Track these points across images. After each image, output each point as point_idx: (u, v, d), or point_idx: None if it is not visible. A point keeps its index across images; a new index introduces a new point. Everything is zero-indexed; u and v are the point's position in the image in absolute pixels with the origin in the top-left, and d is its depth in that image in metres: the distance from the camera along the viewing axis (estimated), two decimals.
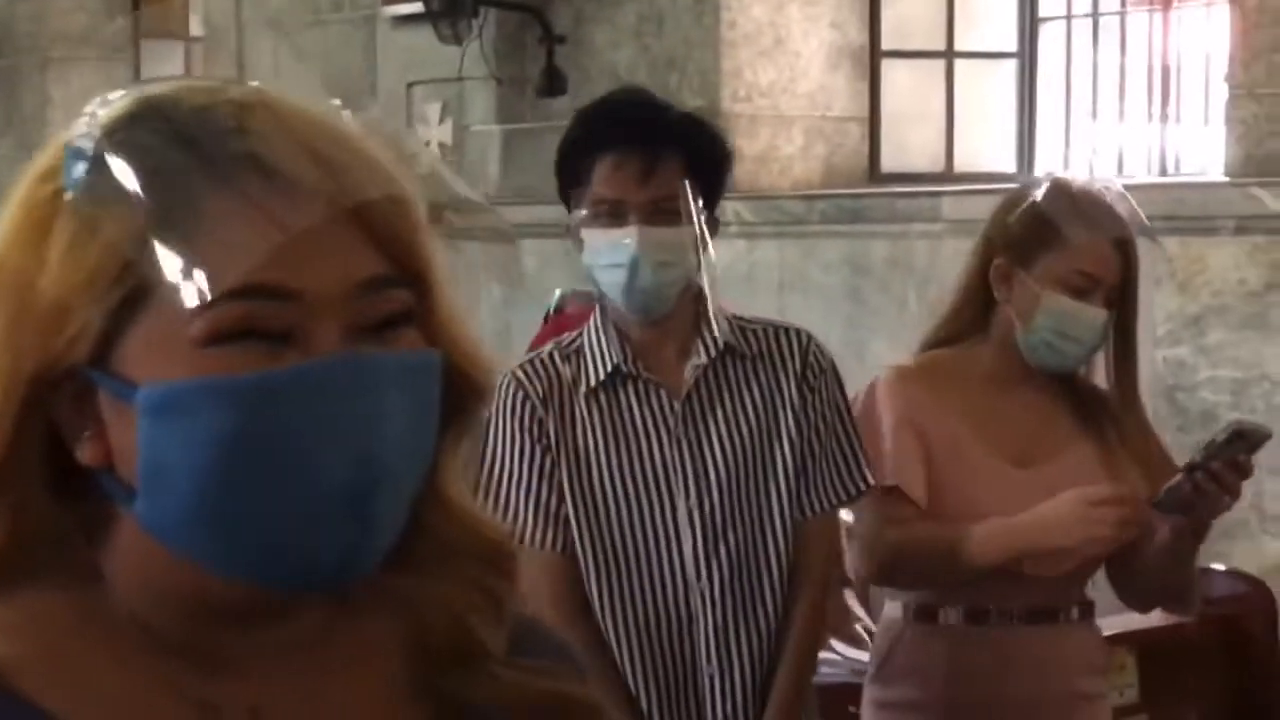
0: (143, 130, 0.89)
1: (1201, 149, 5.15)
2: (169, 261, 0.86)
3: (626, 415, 2.44)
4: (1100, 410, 2.72)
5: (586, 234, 2.44)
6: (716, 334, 2.48)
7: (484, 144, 6.15)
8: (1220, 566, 3.94)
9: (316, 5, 6.85)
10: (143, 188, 0.88)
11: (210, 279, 0.86)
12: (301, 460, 0.90)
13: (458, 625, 1.01)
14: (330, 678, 0.99)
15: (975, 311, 2.70)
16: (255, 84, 0.94)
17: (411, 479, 0.95)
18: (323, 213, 0.89)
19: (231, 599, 0.94)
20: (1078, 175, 3.04)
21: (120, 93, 0.92)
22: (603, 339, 2.45)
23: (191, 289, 0.86)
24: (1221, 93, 4.76)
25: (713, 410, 2.46)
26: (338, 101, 0.97)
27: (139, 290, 0.89)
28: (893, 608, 2.74)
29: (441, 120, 6.30)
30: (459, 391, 0.99)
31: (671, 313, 2.46)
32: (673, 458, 2.43)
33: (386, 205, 0.93)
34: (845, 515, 2.82)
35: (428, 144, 6.31)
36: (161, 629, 0.95)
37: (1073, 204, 2.62)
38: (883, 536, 2.61)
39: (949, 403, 2.67)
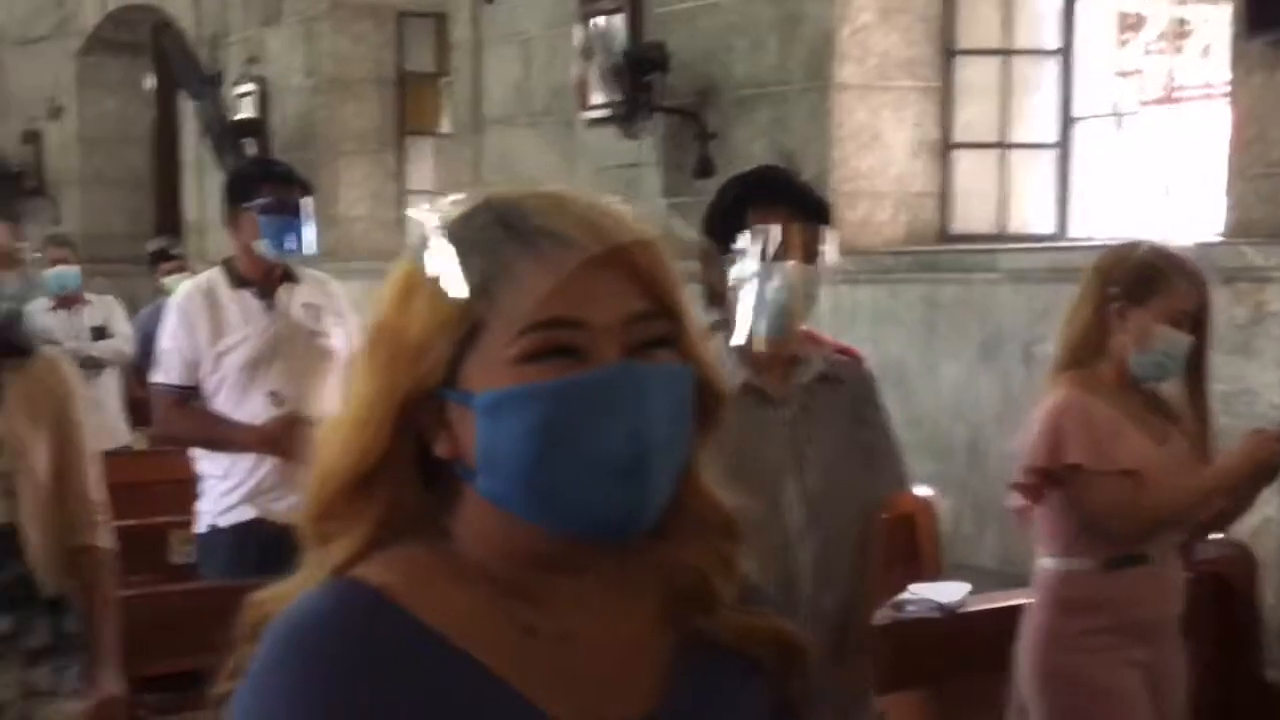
0: (475, 219, 1.01)
1: (1201, 215, 5.04)
2: (496, 305, 0.97)
3: (751, 418, 2.38)
4: (1169, 407, 2.86)
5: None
6: (814, 357, 2.47)
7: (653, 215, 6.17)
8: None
9: (532, 109, 6.93)
10: (477, 257, 0.99)
11: (522, 315, 0.97)
12: (593, 443, 0.97)
13: (702, 579, 1.07)
14: (613, 612, 1.06)
15: (1097, 340, 2.79)
16: (554, 188, 1.05)
17: (674, 461, 1.02)
18: (589, 255, 0.97)
19: (548, 549, 1.02)
20: (1154, 238, 3.09)
21: (459, 196, 1.04)
22: (732, 355, 2.38)
23: (511, 323, 0.97)
24: (1219, 171, 4.65)
25: (811, 416, 2.45)
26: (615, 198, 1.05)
27: (475, 328, 0.99)
28: (1063, 563, 2.83)
29: (623, 197, 6.33)
30: (705, 398, 1.05)
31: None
32: (783, 452, 2.41)
33: (638, 248, 1.01)
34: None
35: None
36: (496, 572, 1.03)
37: (1173, 259, 2.77)
38: (1138, 503, 2.73)
39: (1108, 404, 2.77)
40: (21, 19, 12.68)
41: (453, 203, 1.03)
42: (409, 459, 1.03)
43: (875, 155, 5.43)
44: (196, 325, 3.66)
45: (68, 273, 6.75)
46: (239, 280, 3.72)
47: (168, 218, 11.01)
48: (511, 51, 7.01)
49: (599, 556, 1.05)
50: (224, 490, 3.70)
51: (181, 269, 7.45)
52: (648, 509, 1.01)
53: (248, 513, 3.67)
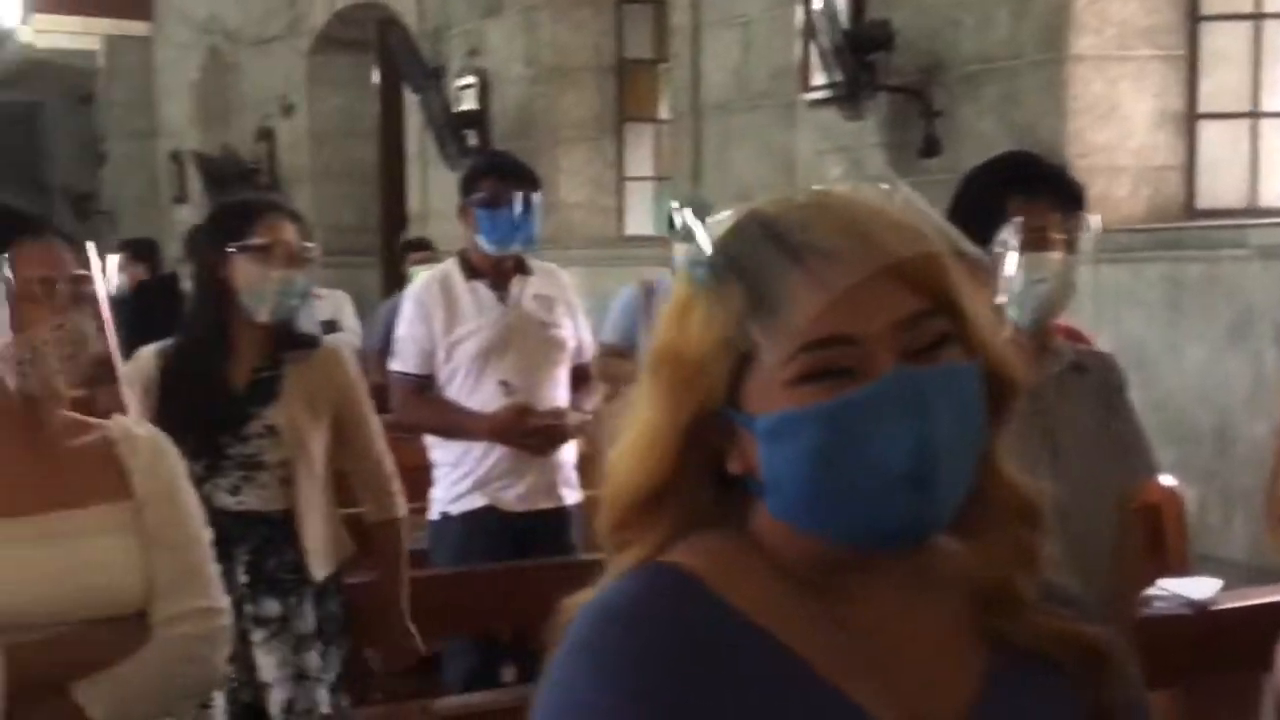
0: (743, 236, 1.00)
1: None
2: (768, 326, 0.96)
3: None
4: None
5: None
6: (1063, 346, 2.40)
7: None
8: None
9: (751, 93, 6.86)
10: (747, 276, 0.98)
11: (795, 335, 0.96)
12: (877, 457, 0.95)
13: (1003, 579, 1.04)
14: (916, 610, 1.03)
15: None
16: (816, 188, 1.03)
17: (965, 461, 0.99)
18: (863, 273, 0.95)
19: (837, 555, 1.01)
20: None
21: (728, 212, 1.03)
22: None
23: (784, 344, 0.96)
24: None
25: (1063, 406, 2.36)
26: (885, 185, 1.03)
27: (750, 349, 0.98)
28: None
29: (843, 178, 6.22)
30: (998, 387, 1.02)
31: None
32: (1036, 444, 2.33)
33: (917, 261, 0.98)
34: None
35: None
36: (793, 571, 1.02)
37: None
38: None
39: None
40: (256, 20, 13.17)
41: (717, 222, 1.03)
42: (700, 472, 1.04)
43: (1114, 128, 5.20)
44: (432, 315, 3.73)
45: None
46: (473, 271, 3.78)
47: (393, 210, 11.30)
48: (731, 35, 6.95)
49: (895, 558, 1.03)
50: (455, 478, 3.76)
51: (430, 259, 7.64)
52: (939, 514, 0.98)
53: (478, 500, 3.72)
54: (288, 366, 2.93)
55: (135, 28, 16.13)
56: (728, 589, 1.01)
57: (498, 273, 3.78)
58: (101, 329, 1.83)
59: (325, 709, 2.87)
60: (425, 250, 7.76)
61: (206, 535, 2.02)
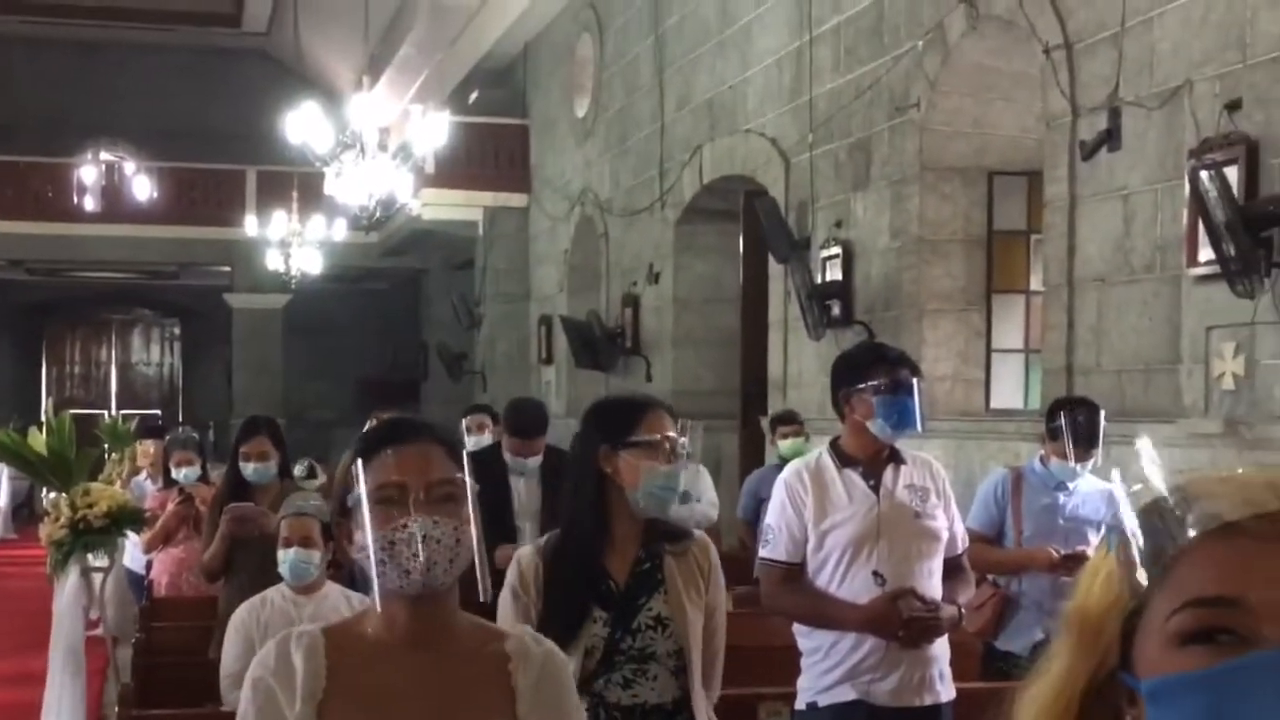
0: (1167, 502, 0.97)
1: None
2: (1158, 580, 0.95)
3: None
4: None
5: None
6: None
7: (1272, 376, 5.73)
8: None
9: (1132, 266, 6.67)
10: (1148, 533, 0.96)
11: (1183, 592, 0.93)
12: None
13: None
14: None
15: None
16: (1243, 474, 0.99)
17: None
18: (1220, 524, 0.93)
19: None
20: None
21: (1135, 487, 1.00)
22: None
23: (1172, 600, 0.94)
24: None
25: None
26: None
27: (1141, 605, 0.96)
28: None
29: (1235, 355, 5.93)
30: None
31: None
32: None
33: None
34: None
35: (1220, 375, 5.98)
36: None
37: None
38: None
39: None
40: (626, 191, 13.78)
41: (1146, 488, 1.01)
42: None
43: None
44: (804, 503, 3.74)
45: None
46: (846, 460, 3.78)
47: (753, 376, 11.46)
48: (1110, 207, 6.79)
49: None
50: (824, 668, 3.72)
51: (798, 433, 7.73)
52: None
53: (848, 693, 3.66)
54: (665, 558, 3.01)
55: (514, 199, 17.14)
56: None
57: (872, 461, 3.77)
58: (464, 533, 1.83)
59: None
60: (794, 424, 7.83)
61: None
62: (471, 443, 7.25)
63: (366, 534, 1.82)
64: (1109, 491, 5.21)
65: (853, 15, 9.26)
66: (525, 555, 3.04)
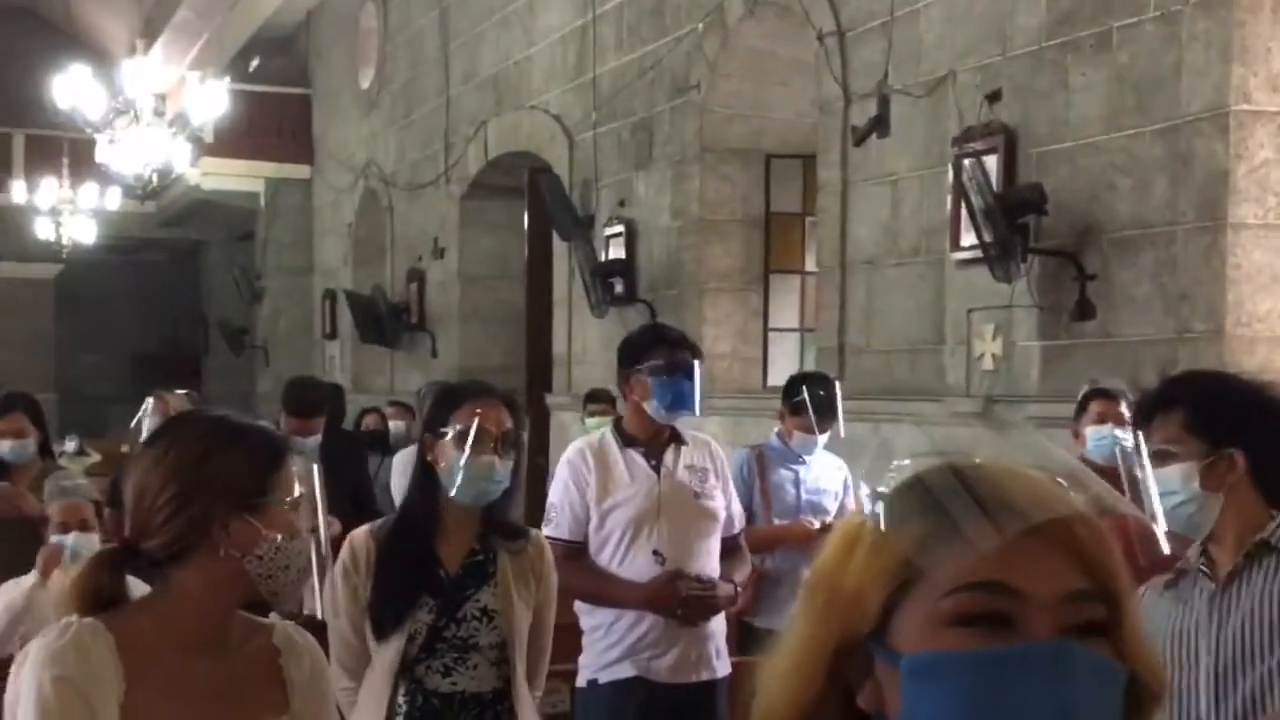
0: (930, 478, 1.00)
1: None
2: (934, 560, 0.96)
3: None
4: None
5: None
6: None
7: (1027, 357, 5.99)
8: None
9: (899, 250, 6.87)
10: (930, 511, 0.97)
11: (958, 574, 0.94)
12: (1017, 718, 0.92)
13: None
14: None
15: None
16: (974, 459, 1.02)
17: None
18: (1034, 523, 0.95)
19: None
20: None
21: (904, 463, 1.04)
22: None
23: (945, 580, 0.95)
24: None
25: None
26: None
27: (910, 580, 0.97)
28: None
29: (994, 337, 6.18)
30: (1137, 697, 0.97)
31: None
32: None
33: (1081, 523, 0.96)
34: None
35: (980, 356, 6.21)
36: None
37: None
38: None
39: None
40: (411, 165, 13.60)
41: (896, 470, 1.04)
42: (838, 706, 1.01)
43: (1275, 297, 5.09)
44: (586, 482, 3.76)
45: None
46: (627, 440, 3.82)
47: (539, 352, 11.47)
48: (880, 192, 6.99)
49: None
50: (605, 645, 3.76)
51: (607, 412, 7.69)
52: None
53: (627, 670, 3.70)
54: (499, 552, 3.00)
55: (297, 171, 16.77)
56: None
57: (653, 442, 3.81)
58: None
59: None
60: (602, 403, 7.79)
61: None
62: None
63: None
64: (841, 463, 5.38)
65: None
66: (358, 535, 3.03)
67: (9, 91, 21.42)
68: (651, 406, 3.76)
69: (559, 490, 3.82)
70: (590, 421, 7.73)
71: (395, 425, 9.27)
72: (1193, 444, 2.25)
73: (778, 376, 8.71)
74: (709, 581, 3.76)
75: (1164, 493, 2.25)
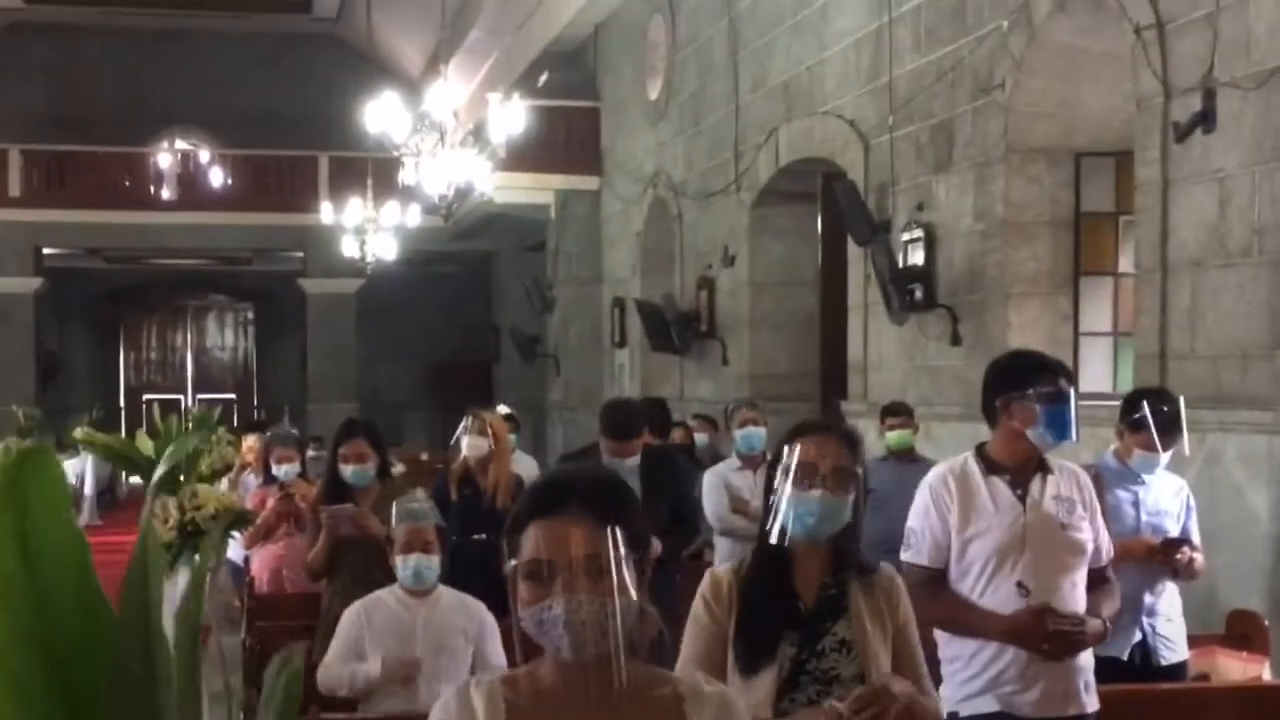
0: None
1: None
2: None
3: None
4: None
5: None
6: None
7: None
8: None
9: (1229, 250, 6.54)
10: None
11: None
12: None
13: None
14: None
15: None
16: None
17: None
18: None
19: None
20: None
21: None
22: None
23: None
24: None
25: None
26: None
27: None
28: None
29: None
30: None
31: None
32: None
33: None
34: None
35: None
36: None
37: None
38: None
39: None
40: (700, 174, 13.72)
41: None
42: None
43: None
44: (948, 508, 3.70)
45: (754, 433, 7.10)
46: (993, 467, 3.74)
47: (833, 359, 11.40)
48: (1205, 190, 6.67)
49: None
50: (965, 677, 3.68)
51: (907, 425, 7.63)
52: None
53: (989, 704, 3.62)
54: (851, 585, 2.98)
55: (586, 182, 17.13)
56: None
57: (1020, 470, 3.73)
58: (616, 603, 1.79)
59: None
60: (902, 415, 7.71)
61: None
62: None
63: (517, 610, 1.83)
64: (1182, 483, 5.13)
65: None
66: (722, 570, 3.06)
67: (315, 115, 22.65)
68: (1036, 433, 3.67)
69: (919, 515, 3.76)
70: (890, 436, 7.64)
71: (699, 438, 9.37)
72: None
73: (1090, 382, 8.42)
74: (1077, 616, 3.65)
75: None
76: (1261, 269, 6.32)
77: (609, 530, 1.84)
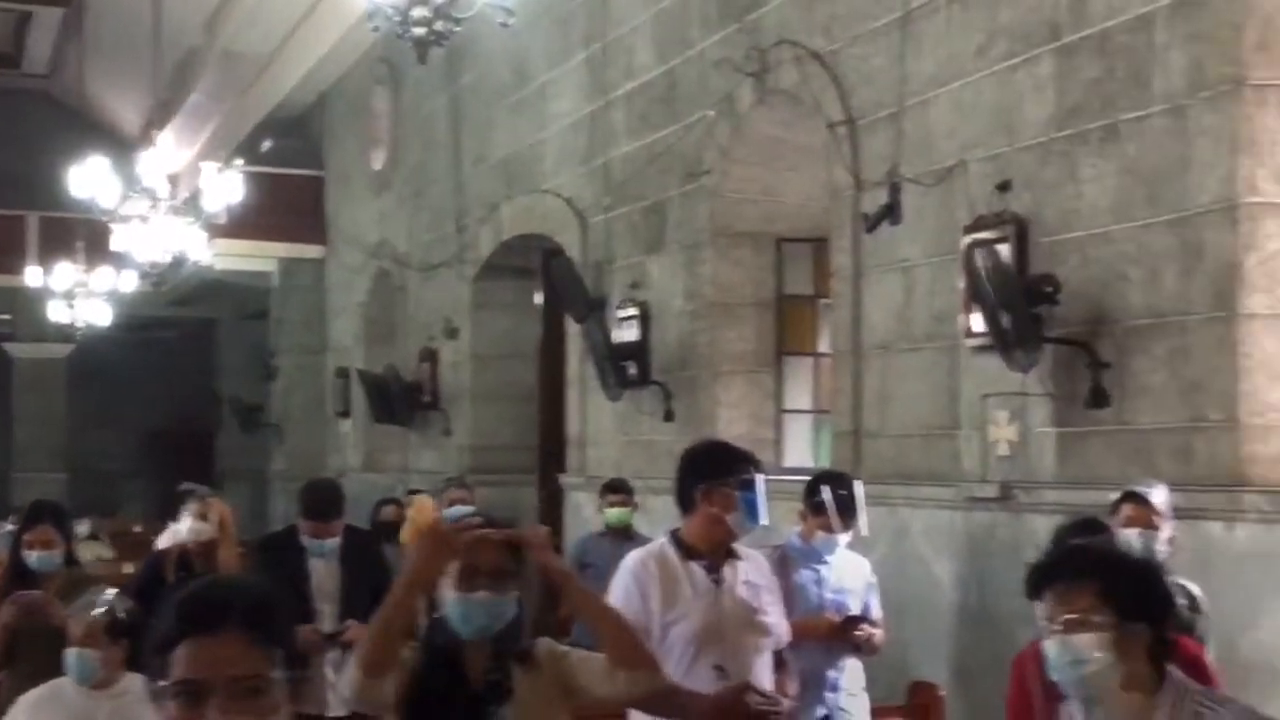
0: None
1: None
2: None
3: None
4: None
5: None
6: None
7: (1043, 444, 6.03)
8: None
9: (913, 335, 6.93)
10: None
11: None
12: None
13: None
14: None
15: None
16: None
17: None
18: None
19: None
20: None
21: None
22: None
23: None
24: None
25: None
26: None
27: None
28: None
29: (1009, 423, 6.22)
30: None
31: None
32: None
33: None
34: None
35: (996, 442, 6.24)
36: None
37: None
38: None
39: None
40: (424, 246, 13.72)
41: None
42: None
43: None
44: (649, 593, 3.81)
45: (463, 513, 7.11)
46: (689, 552, 3.87)
47: (552, 432, 11.51)
48: (893, 278, 7.06)
49: None
50: None
51: (625, 503, 7.76)
52: None
53: None
54: (513, 668, 3.03)
55: (309, 251, 16.89)
56: None
57: (713, 554, 3.87)
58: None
59: None
60: (621, 494, 7.85)
61: None
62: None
63: None
64: (864, 562, 5.41)
65: (645, 83, 9.44)
66: (406, 654, 3.05)
67: (23, 174, 21.62)
68: (735, 518, 3.83)
69: (619, 597, 3.85)
70: (610, 512, 7.78)
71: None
72: (1107, 614, 2.39)
73: (792, 458, 8.75)
74: (773, 696, 3.80)
75: (1076, 660, 2.38)
76: (940, 353, 6.71)
77: (266, 651, 1.82)
